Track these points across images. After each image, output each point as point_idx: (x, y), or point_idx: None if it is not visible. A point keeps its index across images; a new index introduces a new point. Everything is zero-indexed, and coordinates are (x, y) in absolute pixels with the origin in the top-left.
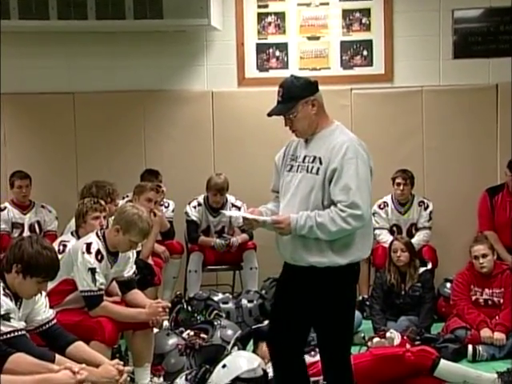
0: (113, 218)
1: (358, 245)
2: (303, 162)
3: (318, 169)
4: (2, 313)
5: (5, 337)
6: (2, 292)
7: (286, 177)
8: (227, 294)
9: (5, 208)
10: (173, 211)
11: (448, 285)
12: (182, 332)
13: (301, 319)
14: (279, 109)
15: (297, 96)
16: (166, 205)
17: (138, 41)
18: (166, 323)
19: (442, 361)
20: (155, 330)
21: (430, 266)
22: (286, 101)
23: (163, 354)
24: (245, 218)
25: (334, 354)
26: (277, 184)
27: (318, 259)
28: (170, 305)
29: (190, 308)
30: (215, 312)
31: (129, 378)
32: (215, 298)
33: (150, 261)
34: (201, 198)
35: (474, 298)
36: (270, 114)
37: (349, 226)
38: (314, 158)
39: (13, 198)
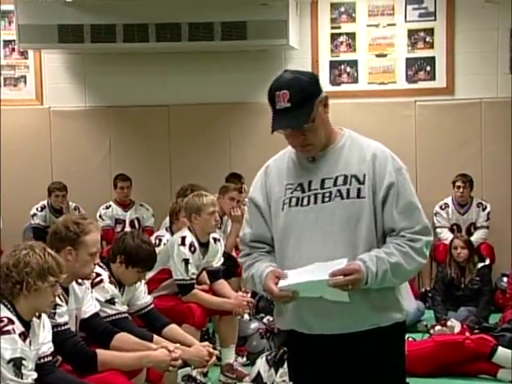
0: None
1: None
2: (322, 188)
3: (359, 190)
4: (108, 298)
5: (110, 318)
6: (108, 280)
7: (294, 213)
8: None
9: (109, 206)
10: None
11: (505, 279)
12: (262, 318)
13: None
14: (295, 121)
15: (312, 94)
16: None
17: (224, 59)
18: (246, 316)
19: (500, 348)
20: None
21: (487, 261)
22: (299, 105)
23: (246, 337)
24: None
25: None
26: (261, 231)
27: (387, 314)
28: (253, 300)
29: (269, 296)
30: None
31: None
32: None
33: (234, 254)
34: None
35: None
36: (274, 130)
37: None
38: (345, 177)
39: (116, 197)
